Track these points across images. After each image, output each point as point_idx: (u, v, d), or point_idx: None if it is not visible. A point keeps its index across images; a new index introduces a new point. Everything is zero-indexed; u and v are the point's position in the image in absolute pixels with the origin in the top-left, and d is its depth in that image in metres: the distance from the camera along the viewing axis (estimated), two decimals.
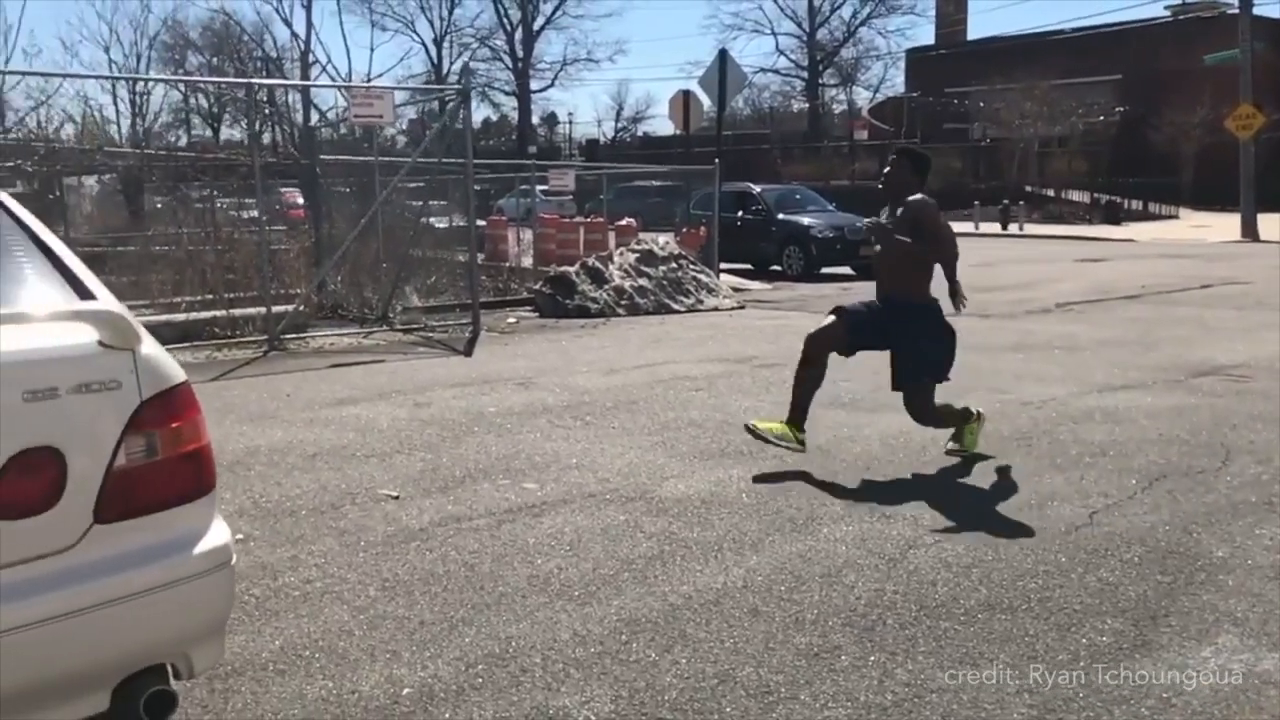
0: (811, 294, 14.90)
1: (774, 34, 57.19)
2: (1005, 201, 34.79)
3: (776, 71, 57.16)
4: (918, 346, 5.38)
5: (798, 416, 5.44)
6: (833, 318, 5.46)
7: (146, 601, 2.34)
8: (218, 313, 10.11)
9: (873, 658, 3.23)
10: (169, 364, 2.50)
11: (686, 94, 19.79)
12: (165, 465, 2.43)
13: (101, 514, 2.31)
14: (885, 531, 4.37)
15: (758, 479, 5.14)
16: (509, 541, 4.27)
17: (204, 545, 2.46)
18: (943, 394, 5.51)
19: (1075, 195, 40.12)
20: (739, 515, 4.60)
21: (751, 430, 5.45)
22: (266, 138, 17.90)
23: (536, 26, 54.31)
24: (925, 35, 61.30)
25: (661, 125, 54.80)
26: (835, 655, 3.25)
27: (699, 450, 5.68)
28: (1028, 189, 40.15)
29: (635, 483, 5.08)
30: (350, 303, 11.91)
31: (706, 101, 20.60)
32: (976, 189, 38.33)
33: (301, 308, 10.52)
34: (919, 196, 5.30)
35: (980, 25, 60.90)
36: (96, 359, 2.34)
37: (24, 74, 13.75)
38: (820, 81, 57.02)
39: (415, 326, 10.97)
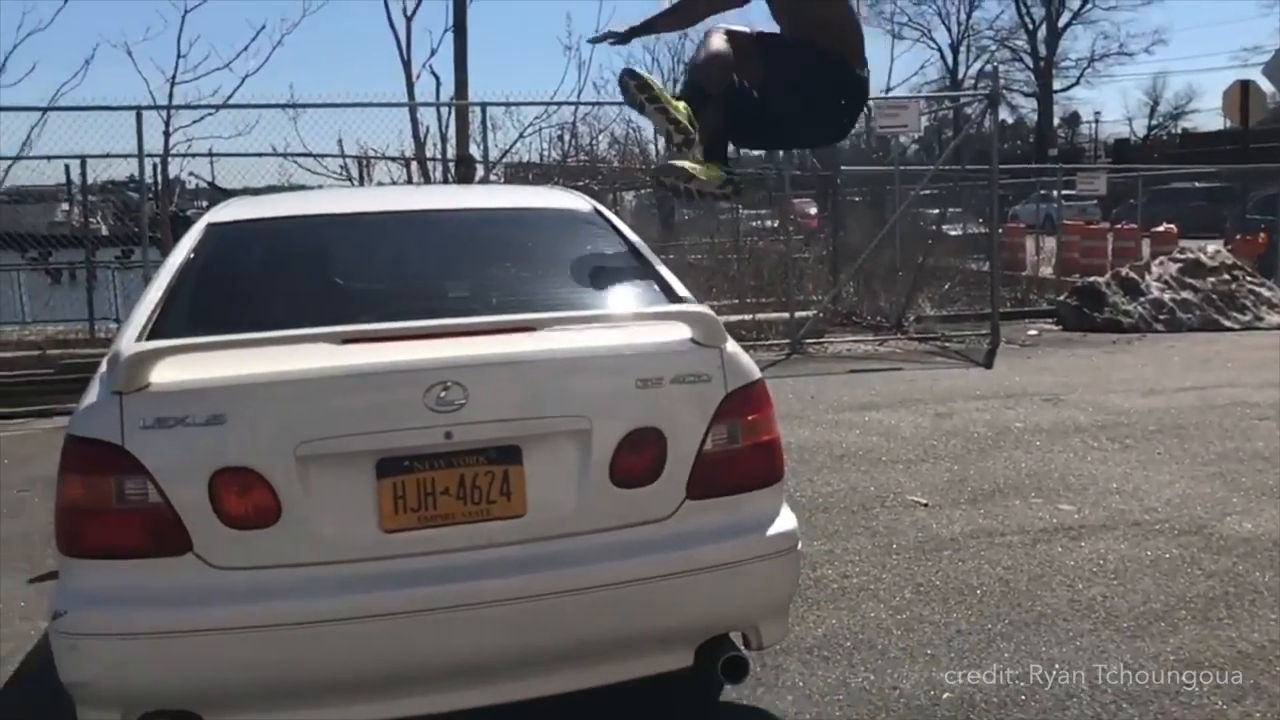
0: None
1: None
2: None
3: None
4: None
5: (715, 150, 3.84)
6: None
7: (726, 573, 2.62)
8: (744, 317, 10.82)
9: None
10: (748, 362, 2.76)
11: (1245, 84, 17.50)
12: (744, 453, 2.69)
13: (692, 491, 2.61)
14: None
15: None
16: (1045, 561, 4.11)
17: (775, 528, 2.69)
18: None
19: None
20: None
21: (671, 168, 3.76)
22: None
23: (1062, 23, 51.15)
24: None
25: (1206, 121, 48.87)
26: None
27: (1267, 486, 5.02)
28: None
29: (1189, 515, 4.63)
30: (864, 310, 12.14)
31: (1269, 90, 18.06)
32: None
33: (820, 314, 10.93)
34: None
35: None
36: (691, 354, 2.66)
37: (592, 104, 15.72)
38: None
39: (930, 335, 10.90)
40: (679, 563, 2.55)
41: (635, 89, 3.67)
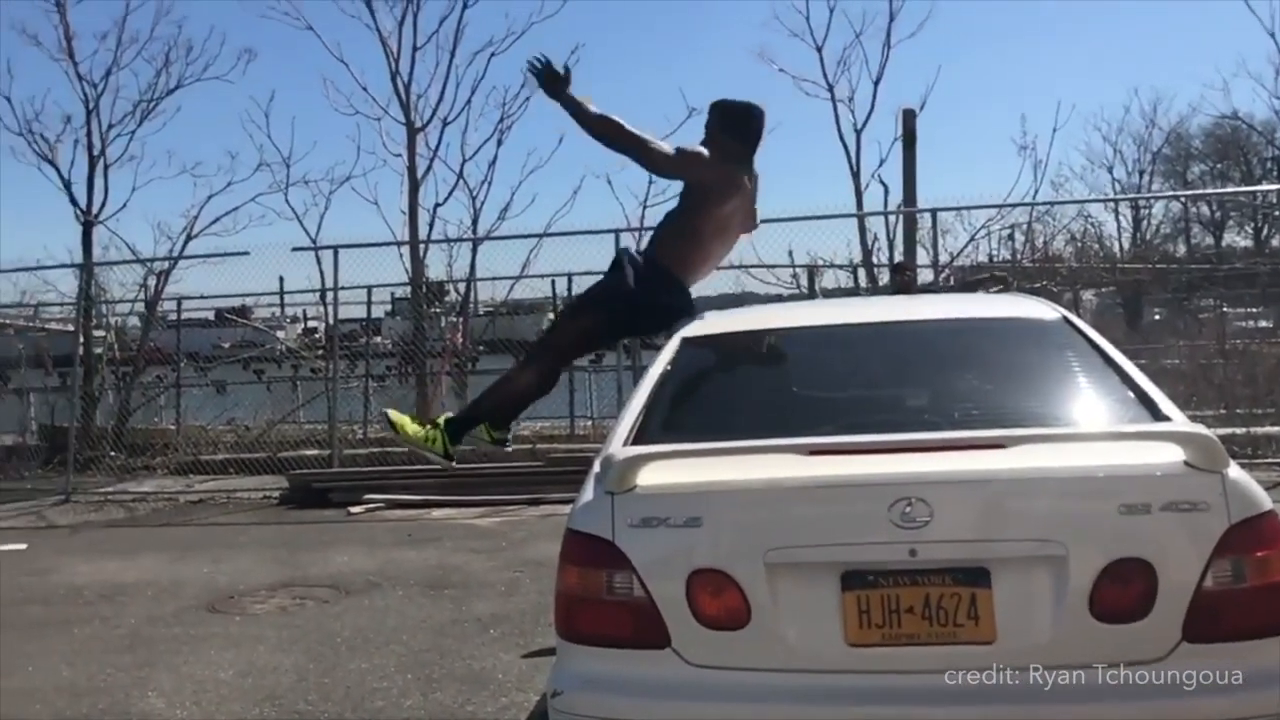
0: None
1: None
2: None
3: None
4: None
5: (462, 428, 3.97)
6: None
7: None
8: (1235, 430, 9.57)
9: None
10: (1257, 491, 2.45)
11: None
12: (1253, 594, 2.38)
13: (1189, 633, 2.34)
14: None
15: None
16: None
17: None
18: None
19: None
20: None
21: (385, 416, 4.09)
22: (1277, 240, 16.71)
23: None
24: None
25: None
26: None
27: None
28: None
29: None
30: None
31: None
32: None
33: None
34: None
35: None
36: (1184, 479, 2.40)
37: (1048, 204, 15.04)
38: None
39: None
40: (1174, 712, 2.29)
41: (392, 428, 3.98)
